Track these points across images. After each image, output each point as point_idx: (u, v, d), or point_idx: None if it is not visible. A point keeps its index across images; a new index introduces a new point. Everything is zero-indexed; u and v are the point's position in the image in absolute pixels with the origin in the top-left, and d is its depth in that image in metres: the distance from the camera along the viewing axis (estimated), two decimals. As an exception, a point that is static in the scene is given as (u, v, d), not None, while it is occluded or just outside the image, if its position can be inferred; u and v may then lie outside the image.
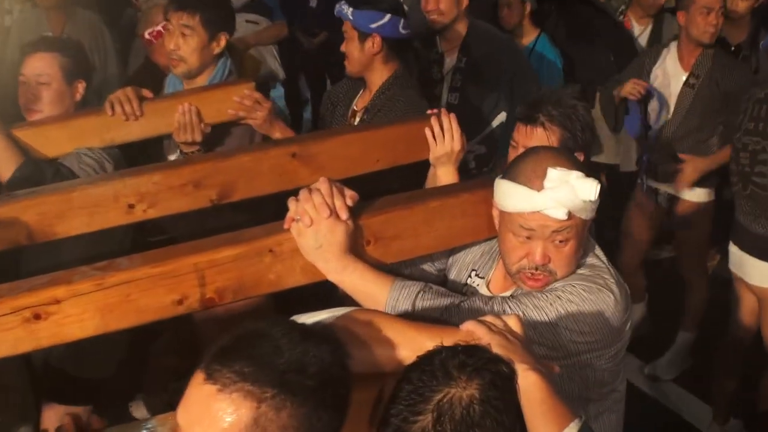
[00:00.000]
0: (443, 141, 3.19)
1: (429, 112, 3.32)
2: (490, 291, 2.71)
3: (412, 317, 2.29)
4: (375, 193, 2.63)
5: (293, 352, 1.70)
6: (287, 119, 4.76)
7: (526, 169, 2.48)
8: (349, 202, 2.46)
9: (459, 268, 2.83)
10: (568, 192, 2.40)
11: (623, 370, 2.71)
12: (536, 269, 2.50)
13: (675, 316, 5.63)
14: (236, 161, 3.01)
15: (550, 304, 2.45)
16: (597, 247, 2.66)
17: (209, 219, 2.93)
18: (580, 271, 2.55)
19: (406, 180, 3.28)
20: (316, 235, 2.42)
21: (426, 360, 1.91)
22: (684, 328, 5.55)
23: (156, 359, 3.98)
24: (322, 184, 2.45)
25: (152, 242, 2.86)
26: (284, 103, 8.05)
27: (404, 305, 2.45)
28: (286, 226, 2.46)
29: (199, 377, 1.72)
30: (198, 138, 3.67)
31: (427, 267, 2.89)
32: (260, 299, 2.61)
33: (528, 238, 2.48)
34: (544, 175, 2.43)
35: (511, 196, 2.48)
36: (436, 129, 3.20)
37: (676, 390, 5.44)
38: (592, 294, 2.47)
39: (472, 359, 1.89)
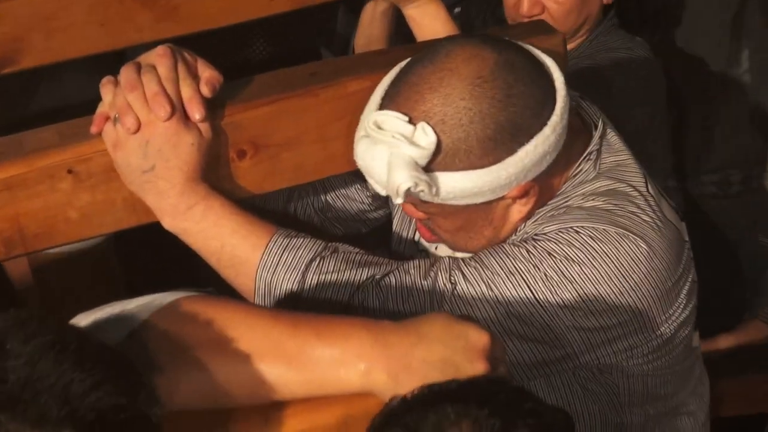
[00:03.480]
0: None
1: None
2: None
3: (299, 304, 1.60)
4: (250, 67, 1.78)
5: (31, 376, 1.08)
6: None
7: (410, 74, 1.59)
8: (206, 91, 1.57)
9: None
10: (379, 156, 1.55)
11: (701, 369, 1.87)
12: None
13: None
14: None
15: (535, 267, 1.61)
16: (623, 147, 1.76)
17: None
18: (588, 204, 1.67)
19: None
20: (146, 149, 1.56)
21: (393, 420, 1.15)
22: None
23: None
24: (161, 57, 1.57)
25: None
26: None
27: (288, 279, 1.62)
28: (94, 130, 1.58)
29: None
30: None
31: (352, 195, 1.98)
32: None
33: None
34: (393, 104, 1.58)
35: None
36: None
37: None
38: (607, 243, 1.62)
39: (503, 411, 1.11)
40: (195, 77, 1.58)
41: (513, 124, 1.54)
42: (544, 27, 1.81)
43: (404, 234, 1.92)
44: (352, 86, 1.66)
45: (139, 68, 1.56)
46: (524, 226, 1.69)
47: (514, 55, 1.59)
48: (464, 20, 2.80)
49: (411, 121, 1.52)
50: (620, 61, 2.58)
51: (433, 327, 1.33)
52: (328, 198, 1.97)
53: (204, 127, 1.58)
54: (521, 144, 1.55)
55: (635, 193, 1.69)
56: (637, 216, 1.66)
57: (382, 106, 1.56)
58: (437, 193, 1.55)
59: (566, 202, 1.69)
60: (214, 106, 1.59)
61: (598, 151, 1.72)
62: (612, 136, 1.75)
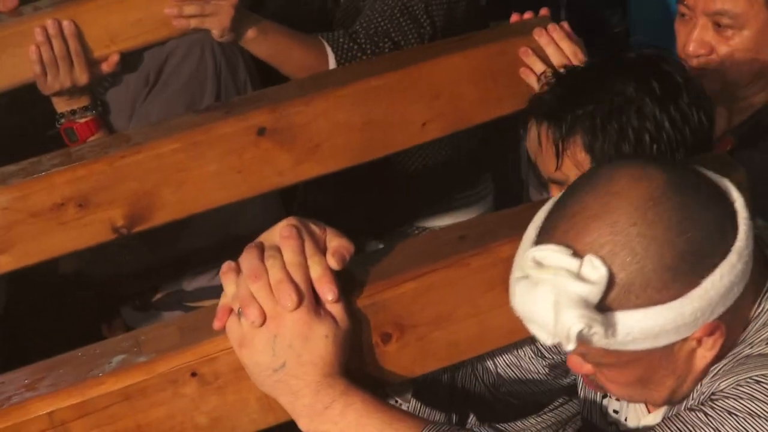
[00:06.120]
0: None
1: (517, 17, 2.13)
2: None
3: None
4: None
5: None
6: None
7: (567, 205, 1.42)
8: (333, 263, 1.44)
9: None
10: (542, 298, 1.36)
11: None
12: None
13: None
14: (155, 151, 1.85)
15: (717, 431, 1.41)
16: None
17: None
18: (760, 350, 1.47)
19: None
20: (275, 345, 1.43)
21: None
22: None
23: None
24: (286, 240, 1.44)
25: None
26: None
27: None
28: (217, 325, 1.45)
29: None
30: (82, 79, 2.31)
31: (526, 366, 1.84)
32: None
33: None
34: (552, 238, 1.40)
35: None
36: (551, 48, 2.06)
37: None
38: None
39: None
40: (323, 252, 1.44)
41: (693, 251, 1.35)
42: (724, 160, 1.60)
43: (593, 399, 1.73)
44: (505, 251, 1.49)
45: (262, 253, 1.43)
46: (700, 386, 1.49)
47: (686, 174, 1.41)
48: None
49: (576, 254, 1.34)
50: None
51: None
52: (499, 370, 1.81)
53: (339, 314, 1.43)
54: (704, 274, 1.36)
55: None
56: None
57: (539, 242, 1.39)
58: (614, 335, 1.35)
59: (747, 349, 1.48)
60: (350, 287, 1.44)
61: None
62: None
